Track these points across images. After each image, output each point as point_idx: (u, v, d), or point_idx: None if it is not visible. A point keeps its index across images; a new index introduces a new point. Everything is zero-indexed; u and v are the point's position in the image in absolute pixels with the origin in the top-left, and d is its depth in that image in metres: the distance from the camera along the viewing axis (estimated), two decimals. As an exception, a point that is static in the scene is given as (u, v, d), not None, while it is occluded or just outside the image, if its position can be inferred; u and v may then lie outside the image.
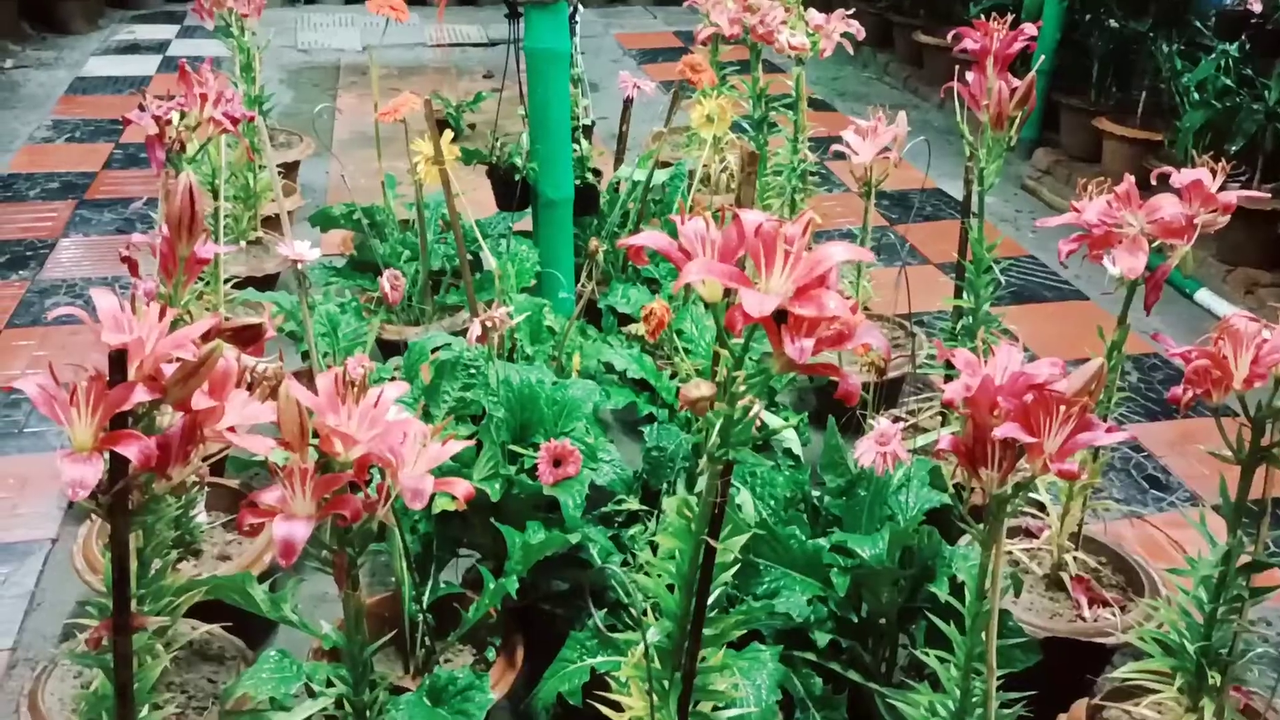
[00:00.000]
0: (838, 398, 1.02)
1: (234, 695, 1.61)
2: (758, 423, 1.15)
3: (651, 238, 1.08)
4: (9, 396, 2.83)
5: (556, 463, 1.87)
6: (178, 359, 1.14)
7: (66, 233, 3.74)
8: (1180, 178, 1.58)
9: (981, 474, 1.25)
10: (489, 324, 1.92)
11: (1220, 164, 1.57)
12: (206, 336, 1.33)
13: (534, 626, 1.88)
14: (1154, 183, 1.69)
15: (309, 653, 1.79)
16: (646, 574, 1.91)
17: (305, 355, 2.54)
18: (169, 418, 1.22)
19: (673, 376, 2.41)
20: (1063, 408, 1.19)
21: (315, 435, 1.23)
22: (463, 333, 2.66)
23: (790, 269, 1.02)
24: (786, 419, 2.23)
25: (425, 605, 1.83)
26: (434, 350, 2.19)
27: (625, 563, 1.90)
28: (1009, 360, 1.26)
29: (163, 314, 1.18)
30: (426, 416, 2.14)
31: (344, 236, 3.29)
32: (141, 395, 1.11)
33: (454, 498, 1.25)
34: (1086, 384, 1.23)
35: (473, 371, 2.16)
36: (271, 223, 3.44)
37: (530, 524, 1.84)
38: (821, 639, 1.70)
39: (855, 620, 1.73)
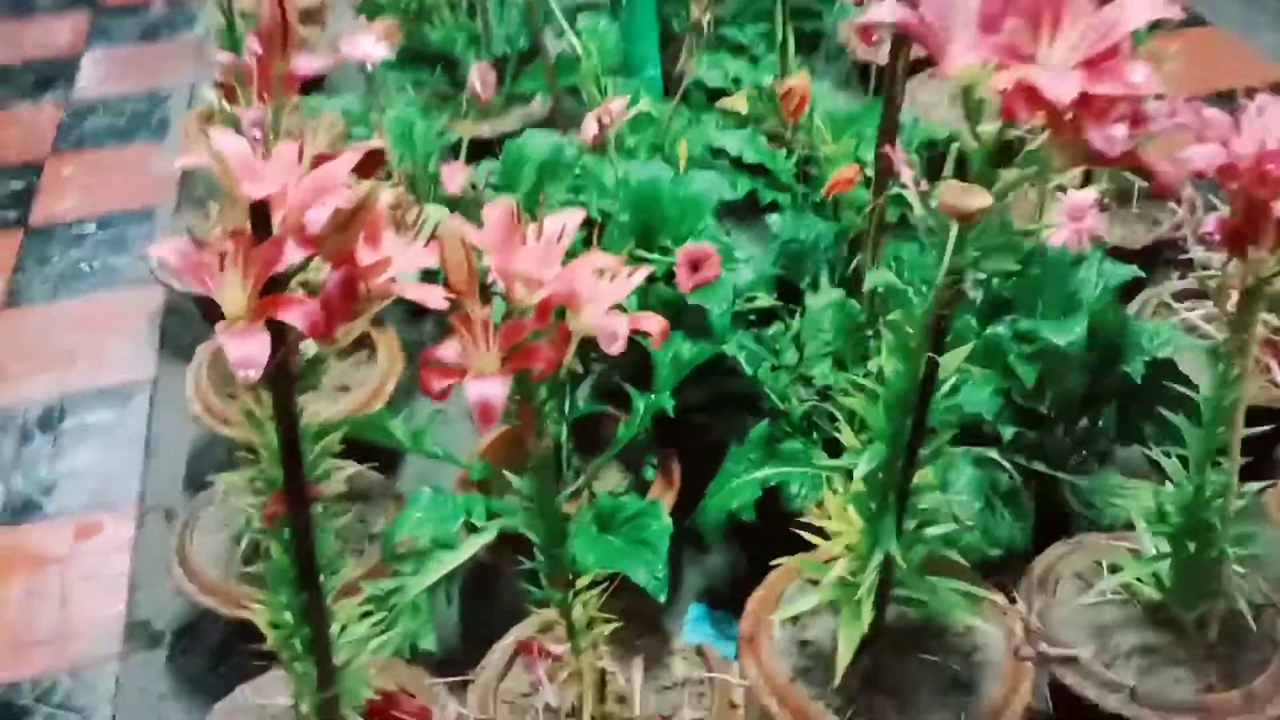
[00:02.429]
0: (1156, 194, 0.85)
1: (396, 539, 1.53)
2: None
3: (890, 10, 0.89)
4: (69, 231, 2.68)
5: (694, 267, 1.72)
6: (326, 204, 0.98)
7: (89, 46, 3.47)
8: None
9: (1249, 254, 1.09)
10: (604, 119, 1.72)
11: None
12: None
13: (683, 442, 1.78)
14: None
15: (454, 485, 1.71)
16: (791, 374, 1.80)
17: (380, 163, 2.36)
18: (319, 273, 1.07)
19: (789, 154, 2.20)
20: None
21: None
22: (545, 124, 2.46)
23: (1079, 37, 0.83)
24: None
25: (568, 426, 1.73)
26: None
27: (774, 366, 1.77)
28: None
29: (300, 155, 1.01)
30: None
31: (386, 26, 3.03)
32: (295, 253, 0.95)
33: (648, 335, 1.11)
34: (1386, 143, 1.04)
35: (579, 172, 1.98)
36: (308, 15, 3.16)
37: (673, 334, 1.70)
38: (1006, 432, 1.58)
39: (1041, 411, 1.61)
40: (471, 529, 1.57)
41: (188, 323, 2.25)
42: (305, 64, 1.36)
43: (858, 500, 1.28)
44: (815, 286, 1.84)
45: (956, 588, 1.34)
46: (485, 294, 1.09)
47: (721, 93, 2.51)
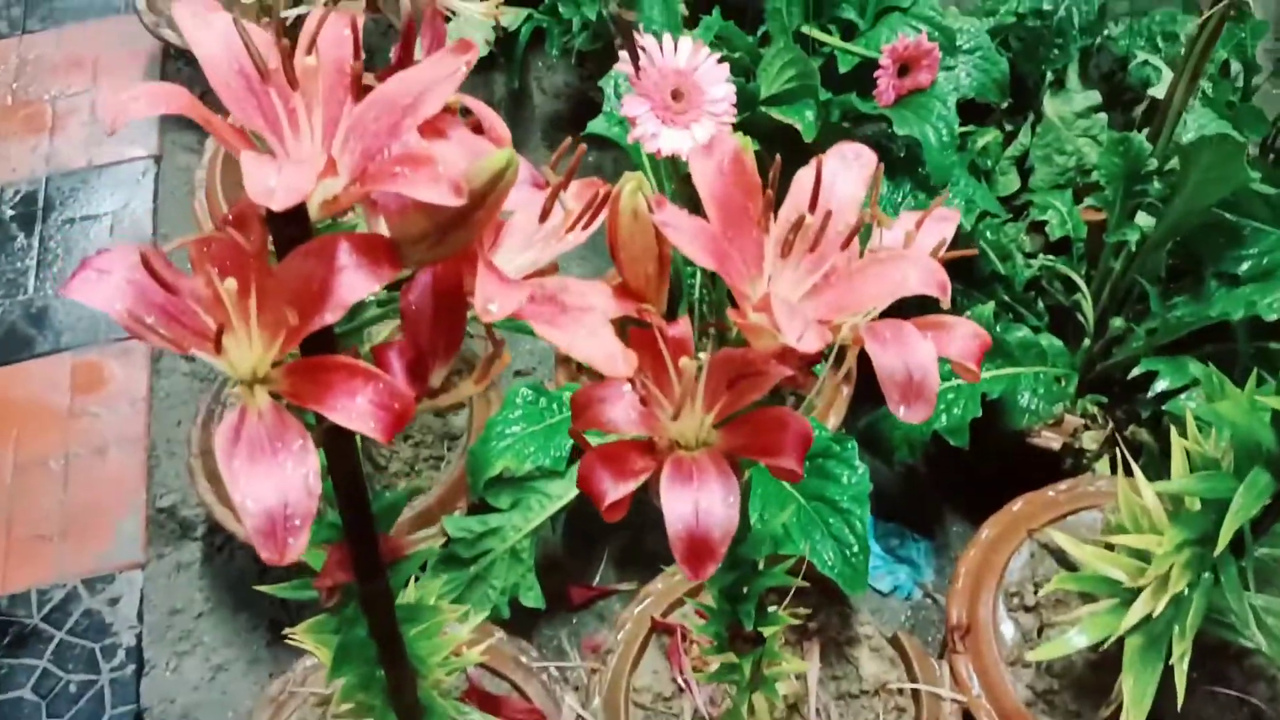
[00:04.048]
0: None
1: (489, 470, 1.14)
2: None
3: None
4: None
5: (903, 69, 1.19)
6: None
7: None
8: None
9: None
10: None
11: None
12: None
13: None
14: None
15: (555, 372, 1.30)
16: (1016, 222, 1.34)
17: None
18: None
19: None
20: None
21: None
22: None
23: None
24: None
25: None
26: None
27: (989, 214, 1.29)
28: None
29: (356, 47, 0.52)
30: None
31: None
32: (357, 288, 0.49)
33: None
34: None
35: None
36: None
37: (865, 170, 1.21)
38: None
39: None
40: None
41: (200, 76, 1.74)
42: None
43: (1188, 523, 0.86)
44: (1060, 84, 1.31)
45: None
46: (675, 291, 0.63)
47: None
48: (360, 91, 0.52)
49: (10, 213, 1.65)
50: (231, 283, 0.48)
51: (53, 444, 1.41)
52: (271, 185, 0.45)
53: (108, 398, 1.45)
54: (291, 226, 0.49)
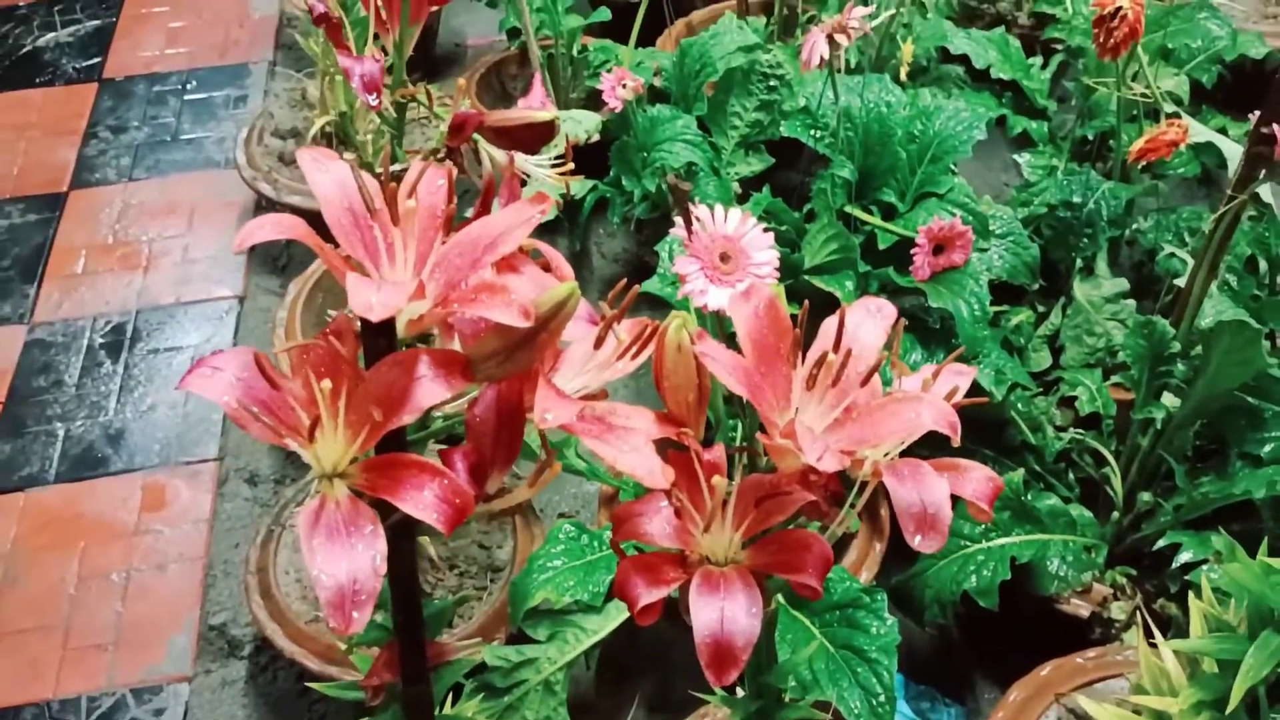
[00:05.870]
0: None
1: (529, 601, 1.19)
2: None
3: None
4: (151, 88, 2.30)
5: (938, 248, 1.28)
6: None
7: None
8: None
9: None
10: (840, 34, 1.24)
11: None
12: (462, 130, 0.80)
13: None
14: None
15: (599, 510, 1.36)
16: (1046, 397, 1.38)
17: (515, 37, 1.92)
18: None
19: (1044, 63, 1.69)
20: None
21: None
22: (742, 7, 1.97)
23: None
24: None
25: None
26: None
27: (1020, 386, 1.35)
28: None
29: (449, 195, 0.61)
30: (712, 150, 1.55)
31: None
32: (434, 394, 0.57)
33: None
34: None
35: (774, 83, 1.52)
36: None
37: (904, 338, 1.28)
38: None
39: None
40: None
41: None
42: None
43: (1204, 684, 0.88)
44: (1090, 270, 1.39)
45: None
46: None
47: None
48: (449, 231, 0.60)
49: (100, 341, 1.77)
50: (327, 383, 0.56)
51: (116, 558, 1.48)
52: (371, 301, 0.53)
53: (172, 517, 1.53)
54: (382, 339, 0.57)
